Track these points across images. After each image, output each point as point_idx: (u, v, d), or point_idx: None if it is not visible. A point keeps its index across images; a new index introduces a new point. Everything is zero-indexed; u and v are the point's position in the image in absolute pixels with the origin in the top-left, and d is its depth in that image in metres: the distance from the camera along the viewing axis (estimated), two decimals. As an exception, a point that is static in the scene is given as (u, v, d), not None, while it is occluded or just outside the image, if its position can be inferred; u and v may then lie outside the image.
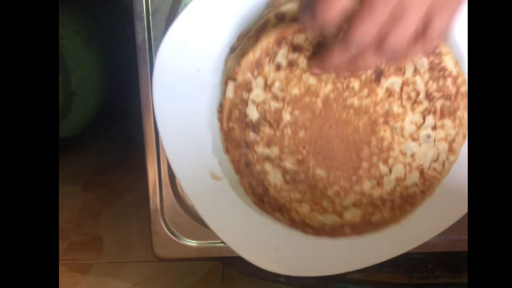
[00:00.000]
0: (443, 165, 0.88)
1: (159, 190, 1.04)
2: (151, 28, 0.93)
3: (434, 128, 0.86)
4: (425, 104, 0.85)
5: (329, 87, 0.84)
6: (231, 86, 0.84)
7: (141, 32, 0.94)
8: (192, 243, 1.06)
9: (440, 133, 0.86)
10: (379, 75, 0.84)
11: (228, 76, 0.84)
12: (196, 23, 0.81)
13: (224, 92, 0.86)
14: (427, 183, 0.89)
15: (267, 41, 0.81)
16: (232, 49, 0.85)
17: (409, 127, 0.86)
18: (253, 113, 0.86)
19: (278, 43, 0.81)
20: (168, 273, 1.15)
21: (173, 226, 1.05)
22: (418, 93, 0.85)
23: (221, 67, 0.81)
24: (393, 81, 0.84)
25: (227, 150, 0.87)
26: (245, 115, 0.86)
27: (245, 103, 0.85)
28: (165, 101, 0.84)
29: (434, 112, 0.85)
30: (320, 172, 0.89)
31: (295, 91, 0.85)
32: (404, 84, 0.84)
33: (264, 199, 0.89)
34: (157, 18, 0.89)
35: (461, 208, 0.92)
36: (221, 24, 0.82)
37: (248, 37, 0.83)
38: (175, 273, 1.15)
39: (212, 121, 0.89)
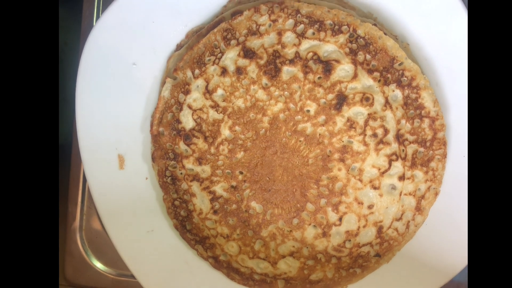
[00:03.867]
0: (407, 226, 0.71)
1: (81, 201, 0.88)
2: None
3: (402, 178, 0.70)
4: (394, 146, 0.70)
5: (280, 106, 0.71)
6: (168, 84, 0.72)
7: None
8: (109, 272, 0.88)
9: (408, 186, 0.70)
10: (341, 101, 0.68)
11: (168, 75, 0.72)
12: (138, 8, 0.69)
13: (160, 91, 0.72)
14: (385, 246, 0.72)
15: (213, 35, 0.68)
16: (178, 47, 0.72)
17: (369, 171, 0.71)
18: (187, 120, 0.73)
19: (227, 41, 0.67)
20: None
21: (91, 249, 0.90)
22: (386, 131, 0.70)
23: (163, 65, 0.72)
24: (357, 111, 0.70)
25: (153, 158, 0.71)
26: (178, 121, 0.72)
27: (180, 106, 0.72)
28: (89, 94, 0.71)
29: (404, 159, 0.70)
30: (255, 206, 0.73)
31: (240, 103, 0.71)
32: (370, 117, 0.70)
33: (186, 226, 0.73)
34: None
35: (426, 284, 0.73)
36: (167, 16, 0.70)
37: (198, 35, 0.71)
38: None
39: (147, 124, 0.75)
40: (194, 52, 0.70)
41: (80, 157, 0.72)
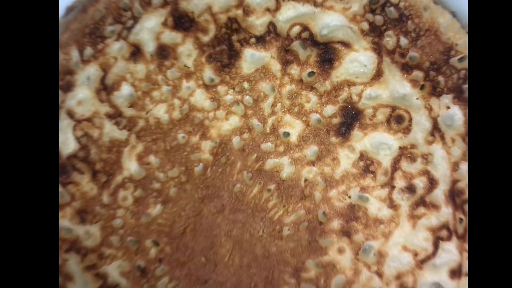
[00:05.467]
0: None
1: None
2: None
3: (456, 274, 0.46)
4: (445, 212, 0.46)
5: (235, 121, 0.48)
6: None
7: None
8: None
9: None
10: (350, 119, 0.47)
11: None
12: None
13: None
14: None
15: None
16: (68, 11, 0.51)
17: (397, 257, 0.47)
18: (65, 139, 0.49)
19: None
20: None
21: None
22: (433, 184, 0.46)
23: None
24: (379, 140, 0.47)
25: None
26: None
27: None
28: None
29: (463, 238, 0.46)
30: None
31: (160, 112, 0.48)
32: (404, 154, 0.47)
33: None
34: None
35: None
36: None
37: None
38: None
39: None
40: (88, 17, 0.50)
41: None
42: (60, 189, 0.49)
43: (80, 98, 0.48)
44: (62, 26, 0.51)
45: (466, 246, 0.47)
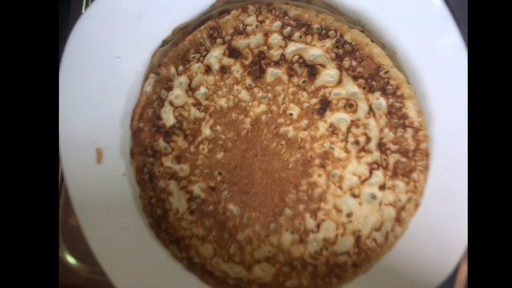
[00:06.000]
0: (386, 237, 0.69)
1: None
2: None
3: (382, 187, 0.69)
4: (376, 155, 0.69)
5: (263, 107, 0.70)
6: (151, 79, 0.71)
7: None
8: (81, 269, 0.85)
9: (389, 196, 0.68)
10: (325, 106, 0.67)
11: (152, 70, 0.71)
12: (127, 1, 0.68)
13: (142, 86, 0.72)
14: (363, 256, 0.70)
15: (199, 32, 0.68)
16: (164, 43, 0.71)
17: (350, 179, 0.69)
18: (168, 117, 0.71)
19: (213, 39, 0.66)
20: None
21: (66, 244, 0.85)
22: (368, 139, 0.69)
23: (147, 60, 0.71)
24: (340, 117, 0.69)
25: (132, 154, 0.70)
26: (159, 117, 0.71)
27: (161, 102, 0.71)
28: (71, 85, 0.70)
29: (385, 168, 0.69)
30: (233, 208, 0.72)
31: (222, 103, 0.70)
32: (353, 124, 0.69)
33: (161, 225, 0.72)
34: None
35: (402, 297, 0.71)
36: (155, 11, 0.69)
37: (184, 32, 0.71)
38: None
39: (126, 120, 0.73)
40: (179, 49, 0.69)
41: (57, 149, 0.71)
42: (165, 144, 0.70)
43: (176, 94, 0.69)
44: (161, 53, 0.70)
45: (388, 172, 0.66)
